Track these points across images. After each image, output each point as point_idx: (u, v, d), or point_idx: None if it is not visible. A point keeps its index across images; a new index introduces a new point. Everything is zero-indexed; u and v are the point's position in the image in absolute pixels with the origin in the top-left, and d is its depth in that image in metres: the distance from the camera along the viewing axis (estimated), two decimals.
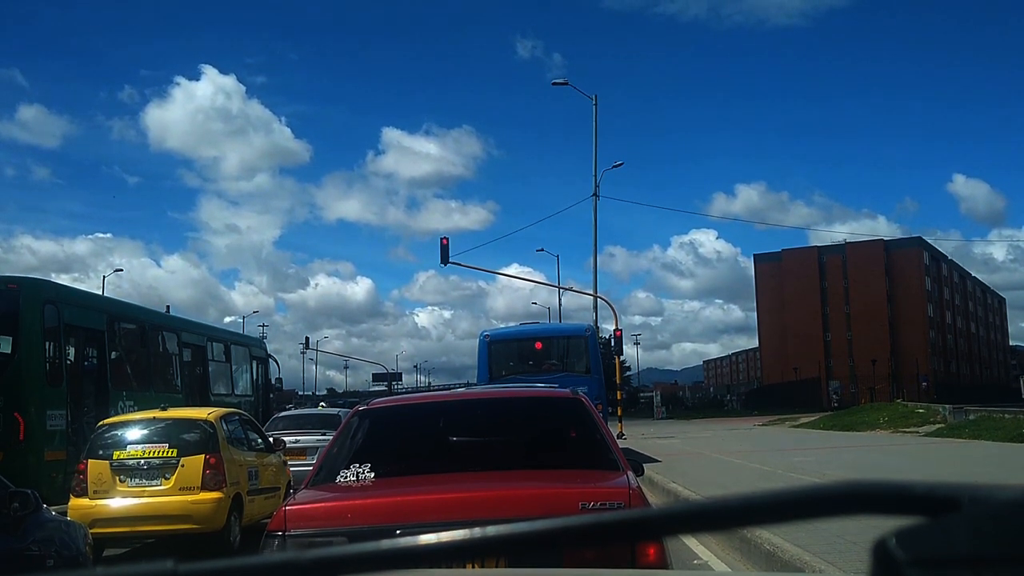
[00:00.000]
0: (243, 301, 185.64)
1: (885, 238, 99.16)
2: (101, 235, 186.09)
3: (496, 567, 2.71)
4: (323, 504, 4.13)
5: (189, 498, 9.36)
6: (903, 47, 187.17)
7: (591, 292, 33.80)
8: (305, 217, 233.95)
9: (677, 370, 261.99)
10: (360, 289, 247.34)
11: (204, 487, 9.40)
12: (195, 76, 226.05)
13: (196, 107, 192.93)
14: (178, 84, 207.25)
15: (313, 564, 0.68)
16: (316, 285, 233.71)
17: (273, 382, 25.16)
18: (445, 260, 30.20)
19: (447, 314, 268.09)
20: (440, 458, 4.72)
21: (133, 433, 9.83)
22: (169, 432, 9.81)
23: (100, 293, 36.32)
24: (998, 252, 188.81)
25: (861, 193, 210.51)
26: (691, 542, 7.86)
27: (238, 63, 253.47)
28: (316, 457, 5.68)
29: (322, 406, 29.10)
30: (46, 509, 6.25)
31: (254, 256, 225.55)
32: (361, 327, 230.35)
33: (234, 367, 21.21)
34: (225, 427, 10.21)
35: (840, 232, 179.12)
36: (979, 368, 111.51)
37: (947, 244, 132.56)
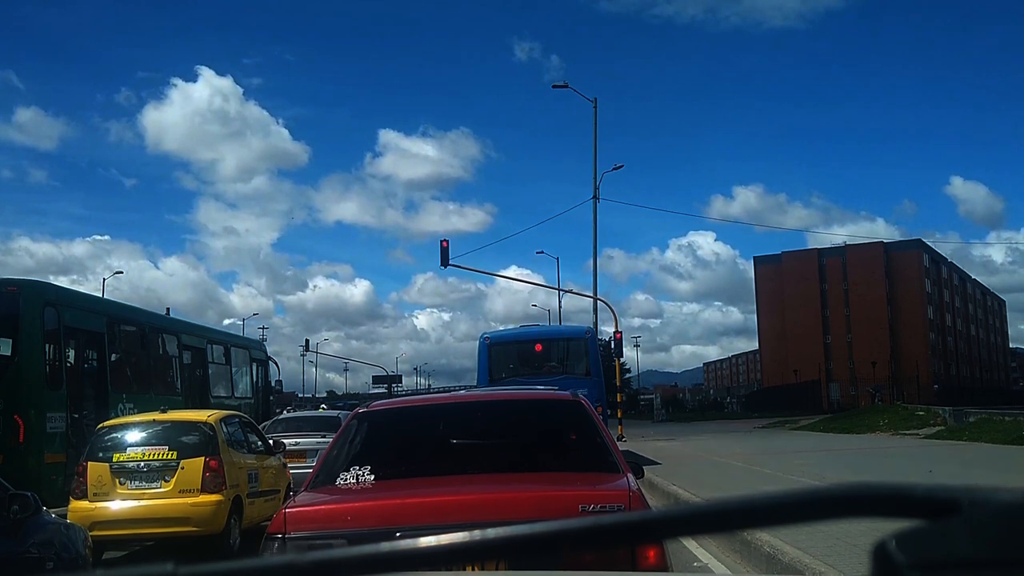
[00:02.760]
0: (242, 303, 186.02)
1: (885, 240, 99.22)
2: (99, 237, 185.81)
3: (496, 570, 2.70)
4: (323, 506, 4.13)
5: (189, 500, 9.35)
6: (900, 49, 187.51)
7: (591, 294, 33.82)
8: (303, 219, 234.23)
9: (677, 372, 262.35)
10: (359, 291, 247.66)
11: (204, 489, 9.39)
12: (192, 78, 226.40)
13: (193, 109, 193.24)
14: (175, 86, 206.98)
15: (313, 566, 0.68)
16: (315, 287, 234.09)
17: (273, 384, 25.16)
18: (445, 263, 30.21)
19: (446, 316, 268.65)
20: (440, 461, 4.72)
21: (133, 435, 9.82)
22: (169, 434, 9.80)
23: (100, 295, 36.33)
24: (997, 254, 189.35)
25: (859, 195, 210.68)
26: (691, 545, 7.86)
27: (235, 65, 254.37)
28: (316, 459, 5.68)
29: (322, 408, 29.18)
30: (46, 512, 6.24)
31: (252, 259, 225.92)
32: (360, 329, 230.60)
33: (234, 369, 21.21)
34: (225, 429, 10.21)
35: (839, 235, 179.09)
36: (979, 371, 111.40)
37: (946, 246, 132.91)
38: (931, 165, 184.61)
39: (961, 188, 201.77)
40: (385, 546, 0.68)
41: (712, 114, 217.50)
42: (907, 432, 29.16)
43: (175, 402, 16.34)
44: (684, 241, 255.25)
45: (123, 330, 16.06)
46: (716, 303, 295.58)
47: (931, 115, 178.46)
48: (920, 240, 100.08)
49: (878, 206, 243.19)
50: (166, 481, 9.46)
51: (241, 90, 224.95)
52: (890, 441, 25.55)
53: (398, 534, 3.41)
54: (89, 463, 9.56)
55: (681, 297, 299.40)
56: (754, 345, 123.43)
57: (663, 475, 13.94)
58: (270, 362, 24.66)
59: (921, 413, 35.88)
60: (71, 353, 14.33)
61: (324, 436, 13.74)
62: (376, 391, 79.32)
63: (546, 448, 5.01)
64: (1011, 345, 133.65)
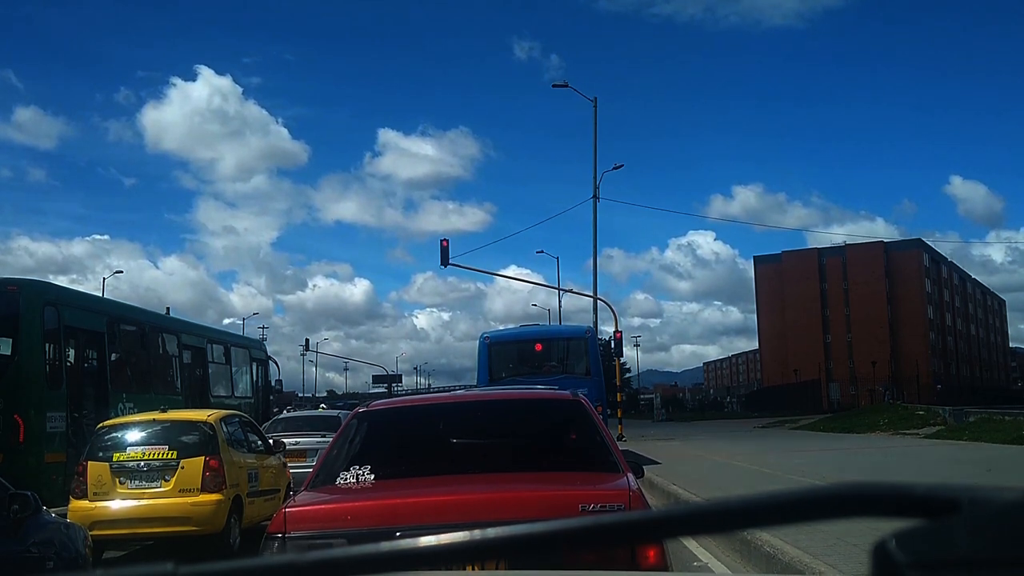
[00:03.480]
0: (242, 303, 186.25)
1: (884, 240, 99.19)
2: (99, 237, 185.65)
3: (496, 569, 2.70)
4: (323, 506, 4.13)
5: (189, 500, 9.35)
6: (900, 48, 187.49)
7: (591, 294, 33.81)
8: (303, 219, 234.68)
9: (677, 372, 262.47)
10: (358, 291, 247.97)
11: (204, 489, 9.39)
12: (191, 77, 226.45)
13: (192, 108, 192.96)
14: (174, 85, 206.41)
15: (313, 566, 0.68)
16: (314, 287, 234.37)
17: (273, 384, 25.16)
18: (445, 262, 30.22)
19: (446, 316, 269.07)
20: (440, 460, 4.72)
21: (133, 435, 9.82)
22: (169, 434, 9.80)
23: (100, 295, 36.33)
24: (996, 254, 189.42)
25: (859, 194, 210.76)
26: (691, 544, 7.85)
27: (234, 64, 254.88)
28: (316, 459, 5.68)
29: (322, 408, 29.17)
30: (46, 511, 6.24)
31: (252, 258, 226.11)
32: (360, 329, 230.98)
33: (234, 369, 21.21)
34: (225, 429, 10.20)
35: (839, 234, 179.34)
36: (979, 370, 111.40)
37: (946, 246, 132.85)
38: (931, 165, 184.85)
39: (961, 188, 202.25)
40: (385, 546, 0.68)
41: (712, 114, 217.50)
42: (907, 432, 29.15)
43: (175, 401, 16.35)
44: (684, 241, 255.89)
45: (123, 329, 16.06)
46: (716, 303, 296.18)
47: (931, 115, 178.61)
48: (920, 240, 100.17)
49: (878, 206, 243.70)
50: (166, 480, 9.46)
51: (240, 89, 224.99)
52: (890, 441, 25.55)
53: (398, 534, 3.41)
54: (89, 462, 9.56)
55: (681, 297, 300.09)
56: (754, 345, 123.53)
57: (663, 475, 13.94)
58: (270, 362, 24.67)
59: (921, 413, 35.87)
60: (71, 352, 14.34)
61: (324, 436, 13.73)
62: (376, 391, 79.33)
63: (546, 448, 5.01)
64: (1011, 345, 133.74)
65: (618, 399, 30.16)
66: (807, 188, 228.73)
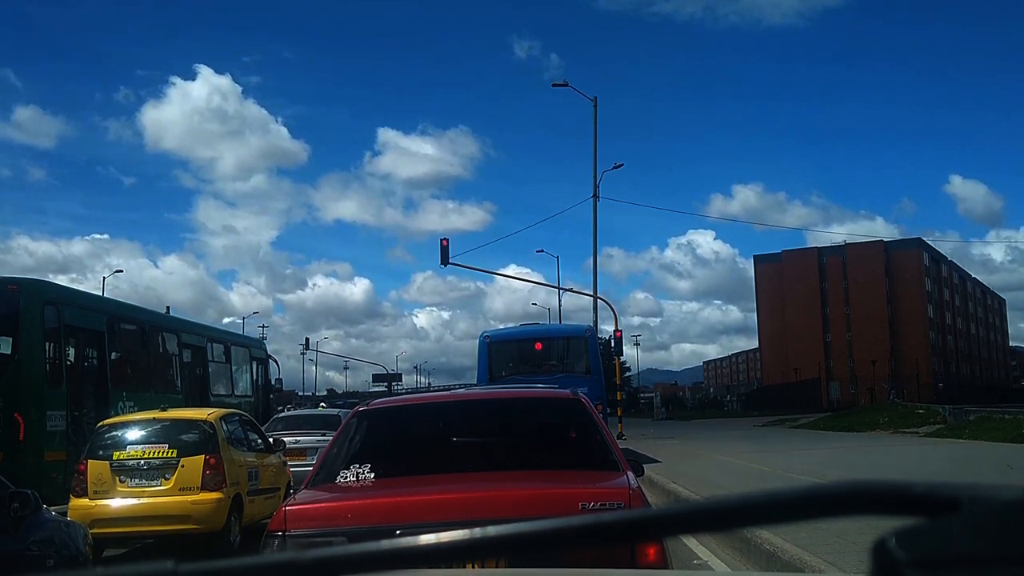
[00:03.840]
0: (242, 302, 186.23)
1: (885, 239, 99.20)
2: (98, 236, 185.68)
3: (496, 567, 2.70)
4: (323, 504, 4.13)
5: (189, 498, 9.36)
6: (900, 48, 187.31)
7: (591, 293, 33.81)
8: (302, 218, 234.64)
9: (677, 371, 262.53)
10: (358, 290, 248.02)
11: (204, 487, 9.40)
12: (190, 76, 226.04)
13: (192, 107, 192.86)
14: (173, 84, 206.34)
15: (313, 564, 0.68)
16: (314, 286, 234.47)
17: (273, 383, 25.17)
18: (445, 261, 30.22)
19: (445, 315, 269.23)
20: (440, 458, 4.71)
21: (133, 434, 9.83)
22: (169, 433, 9.81)
23: (100, 294, 36.32)
24: (996, 253, 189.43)
25: (859, 194, 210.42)
26: (691, 542, 7.86)
27: (234, 63, 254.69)
28: (316, 457, 5.68)
29: (322, 407, 29.15)
30: (46, 509, 6.25)
31: (252, 257, 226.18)
32: (360, 328, 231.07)
33: (234, 368, 21.21)
34: (225, 428, 10.21)
35: (839, 233, 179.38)
36: (979, 369, 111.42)
37: (945, 245, 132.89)
38: (931, 164, 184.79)
39: (960, 187, 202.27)
40: (385, 544, 0.68)
41: (712, 114, 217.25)
42: (907, 430, 29.17)
43: (175, 400, 16.35)
44: (684, 240, 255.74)
45: (123, 328, 16.06)
46: (716, 301, 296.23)
47: (931, 115, 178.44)
48: (920, 239, 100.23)
49: (878, 205, 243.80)
50: (166, 479, 9.46)
51: (240, 88, 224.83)
52: (891, 439, 25.56)
53: (398, 532, 3.41)
54: (89, 461, 9.57)
55: (681, 296, 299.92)
56: (754, 343, 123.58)
57: (663, 473, 13.94)
58: (270, 360, 24.68)
59: (921, 411, 35.86)
60: (71, 351, 14.33)
61: (324, 434, 13.74)
62: (376, 389, 79.37)
63: (546, 446, 5.01)
64: (1011, 343, 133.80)
65: (618, 398, 30.17)
66: (807, 188, 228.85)
